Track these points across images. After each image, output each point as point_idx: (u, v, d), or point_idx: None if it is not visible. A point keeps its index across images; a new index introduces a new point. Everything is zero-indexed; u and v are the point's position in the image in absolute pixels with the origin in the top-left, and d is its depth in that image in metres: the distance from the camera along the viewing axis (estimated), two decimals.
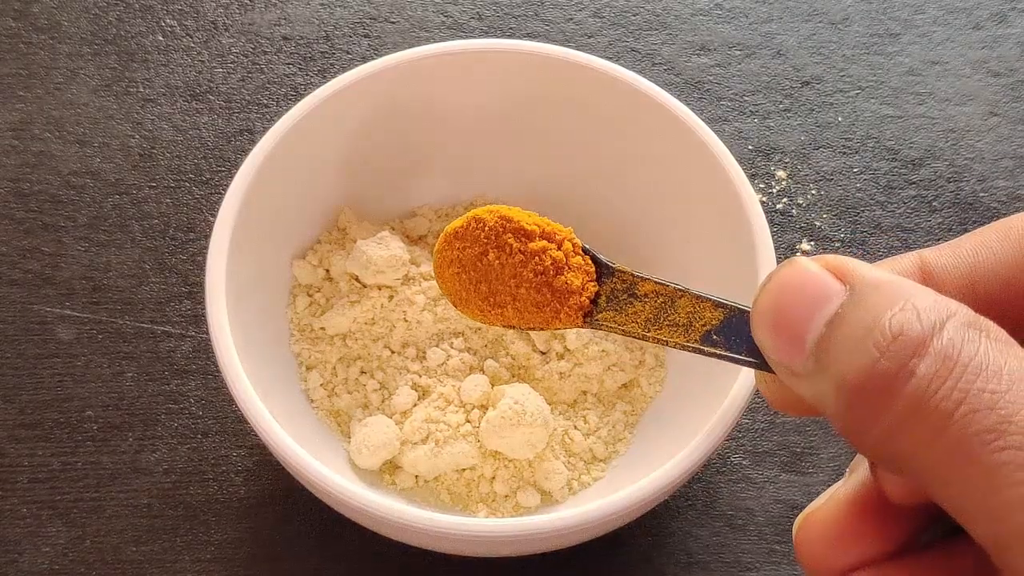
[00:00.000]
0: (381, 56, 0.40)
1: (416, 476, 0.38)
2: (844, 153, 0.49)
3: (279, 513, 0.39)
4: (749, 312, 0.23)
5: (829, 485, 0.24)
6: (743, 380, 0.33)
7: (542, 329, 0.28)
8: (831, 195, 0.48)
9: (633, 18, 0.53)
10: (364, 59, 0.50)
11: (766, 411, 0.42)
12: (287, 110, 0.38)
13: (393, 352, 0.40)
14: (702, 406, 0.34)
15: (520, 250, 0.27)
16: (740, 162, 0.38)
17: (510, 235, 0.27)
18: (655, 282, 0.26)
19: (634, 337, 0.26)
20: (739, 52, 0.52)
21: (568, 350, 0.39)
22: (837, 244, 0.47)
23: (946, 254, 0.23)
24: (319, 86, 0.39)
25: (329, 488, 0.32)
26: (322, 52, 0.51)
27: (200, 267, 0.43)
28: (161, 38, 0.51)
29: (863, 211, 0.47)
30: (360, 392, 0.39)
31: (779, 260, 0.40)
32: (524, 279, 0.27)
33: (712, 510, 0.40)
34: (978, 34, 0.53)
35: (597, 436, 0.39)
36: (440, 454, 0.37)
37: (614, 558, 0.39)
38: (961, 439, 0.18)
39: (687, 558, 0.39)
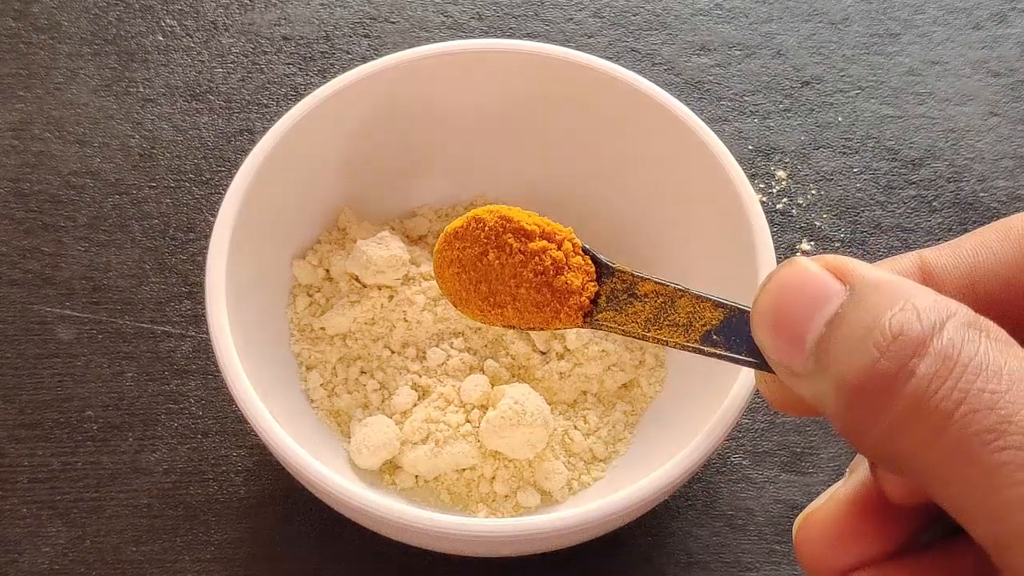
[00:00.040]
0: (381, 56, 0.40)
1: (416, 476, 0.38)
2: (844, 153, 0.49)
3: (279, 513, 0.39)
4: (749, 312, 0.23)
5: (829, 485, 0.24)
6: (743, 380, 0.33)
7: (542, 329, 0.28)
8: (831, 195, 0.48)
9: (633, 18, 0.53)
10: (364, 59, 0.50)
11: (766, 411, 0.42)
12: (287, 110, 0.38)
13: (393, 352, 0.40)
14: (702, 406, 0.34)
15: (520, 250, 0.27)
16: (740, 162, 0.38)
17: (510, 235, 0.27)
18: (655, 282, 0.26)
19: (634, 337, 0.26)
20: (739, 52, 0.52)
21: (568, 350, 0.39)
22: (837, 244, 0.47)
23: (946, 254, 0.23)
24: (319, 86, 0.39)
25: (329, 488, 0.32)
26: (322, 52, 0.51)
27: (200, 267, 0.43)
28: (161, 38, 0.51)
29: (863, 211, 0.47)
30: (360, 392, 0.39)
31: (779, 260, 0.40)
32: (524, 279, 0.27)
33: (712, 510, 0.40)
34: (978, 34, 0.53)
35: (597, 436, 0.39)
36: (440, 454, 0.37)
37: (614, 558, 0.39)
38: (961, 439, 0.18)
39: (687, 558, 0.39)
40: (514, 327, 0.28)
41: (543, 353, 0.40)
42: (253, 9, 0.53)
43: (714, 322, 0.25)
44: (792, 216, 0.47)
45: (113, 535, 0.39)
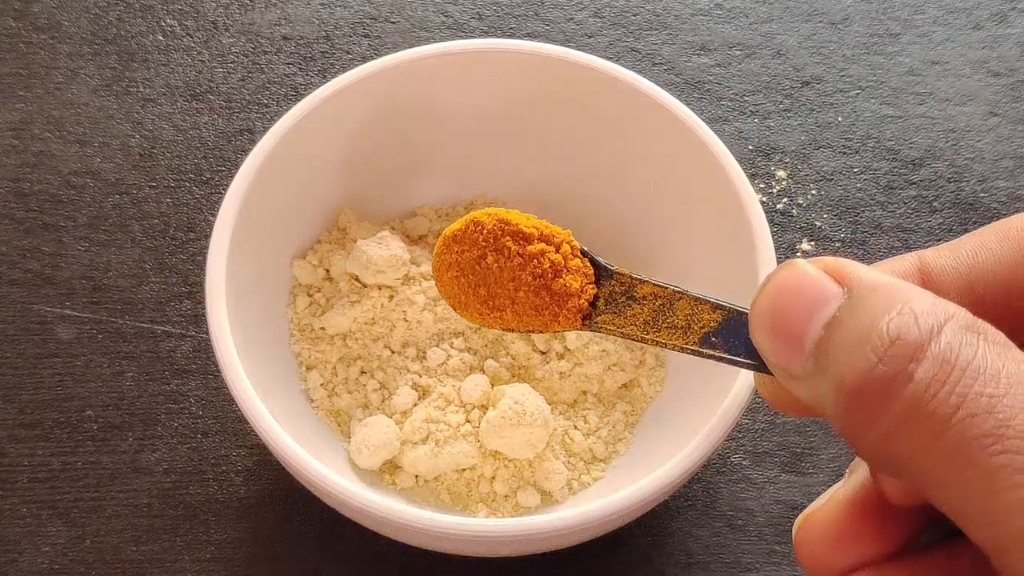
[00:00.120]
0: (381, 56, 0.40)
1: (416, 476, 0.38)
2: (844, 153, 0.49)
3: (279, 513, 0.39)
4: (747, 314, 0.23)
5: (829, 486, 0.24)
6: (743, 380, 0.33)
7: (541, 332, 0.28)
8: (831, 195, 0.48)
9: (633, 18, 0.53)
10: (364, 59, 0.50)
11: (766, 411, 0.42)
12: (287, 110, 0.38)
13: (393, 352, 0.40)
14: (702, 406, 0.34)
15: (518, 253, 0.27)
16: (740, 162, 0.38)
17: (508, 238, 0.27)
18: (654, 284, 0.26)
19: (633, 340, 0.26)
20: (739, 52, 0.52)
21: (568, 350, 0.39)
22: (837, 244, 0.47)
23: (945, 255, 0.23)
24: (319, 86, 0.39)
25: (329, 488, 0.32)
26: (322, 52, 0.51)
27: (200, 267, 0.43)
28: (161, 38, 0.51)
29: (863, 211, 0.47)
30: (360, 392, 0.39)
31: (779, 260, 0.40)
32: (523, 282, 0.27)
33: (712, 510, 0.40)
34: (978, 34, 0.53)
35: (597, 436, 0.39)
36: (440, 454, 0.37)
37: (614, 558, 0.39)
38: (959, 443, 0.18)
39: (687, 558, 0.39)
40: (513, 330, 0.28)
41: (543, 353, 0.40)
42: (253, 9, 0.53)
43: (713, 324, 0.25)
44: (792, 216, 0.47)
45: (113, 535, 0.39)
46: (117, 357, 0.42)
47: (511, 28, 0.53)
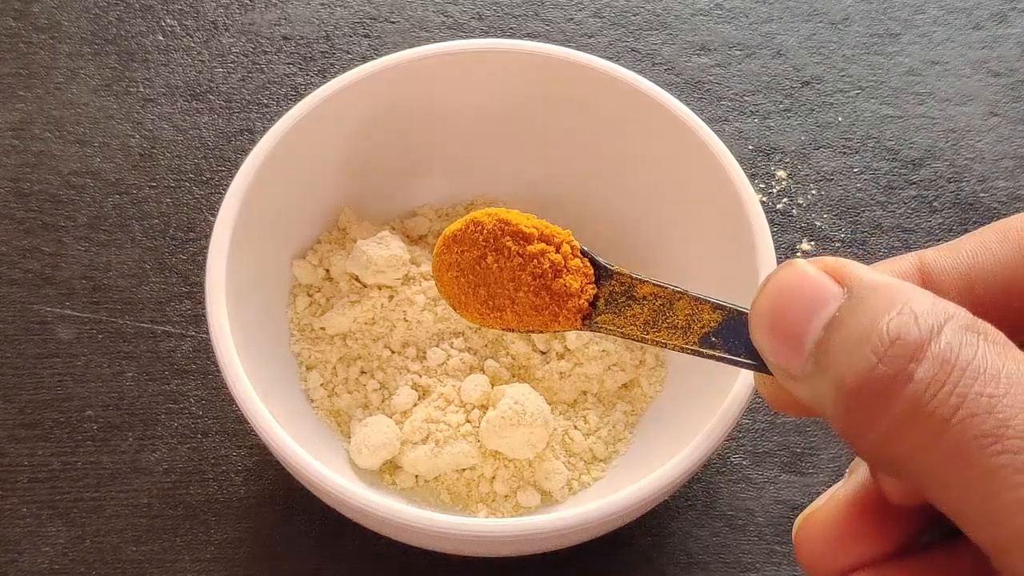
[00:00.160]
0: (381, 56, 0.40)
1: (416, 476, 0.38)
2: (844, 153, 0.49)
3: (279, 513, 0.39)
4: (747, 314, 0.23)
5: (829, 486, 0.24)
6: (743, 380, 0.33)
7: (541, 331, 0.28)
8: (831, 195, 0.48)
9: (633, 18, 0.53)
10: (364, 59, 0.50)
11: (766, 411, 0.42)
12: (287, 110, 0.38)
13: (393, 352, 0.40)
14: (702, 406, 0.34)
15: (518, 253, 0.27)
16: (740, 162, 0.38)
17: (508, 238, 0.27)
18: (654, 284, 0.26)
19: (633, 340, 0.26)
20: (739, 52, 0.52)
21: (568, 350, 0.39)
22: (837, 244, 0.47)
23: (945, 255, 0.23)
24: (319, 86, 0.39)
25: (329, 488, 0.32)
26: (322, 52, 0.51)
27: (200, 267, 0.43)
28: (161, 38, 0.51)
29: (863, 211, 0.47)
30: (360, 392, 0.39)
31: (779, 260, 0.40)
32: (523, 282, 0.27)
33: (712, 510, 0.40)
34: (978, 34, 0.53)
35: (597, 436, 0.39)
36: (440, 454, 0.37)
37: (614, 558, 0.39)
38: (959, 443, 0.18)
39: (687, 558, 0.39)
40: (513, 330, 0.28)
41: (543, 353, 0.40)
42: (253, 9, 0.53)
43: (713, 324, 0.25)
44: (792, 216, 0.47)
45: (113, 535, 0.39)
46: (117, 357, 0.42)
47: (511, 28, 0.53)
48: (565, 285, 0.27)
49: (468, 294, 0.28)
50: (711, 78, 0.51)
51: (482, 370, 0.39)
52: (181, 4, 0.53)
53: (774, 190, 0.48)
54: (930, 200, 0.48)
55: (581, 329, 0.27)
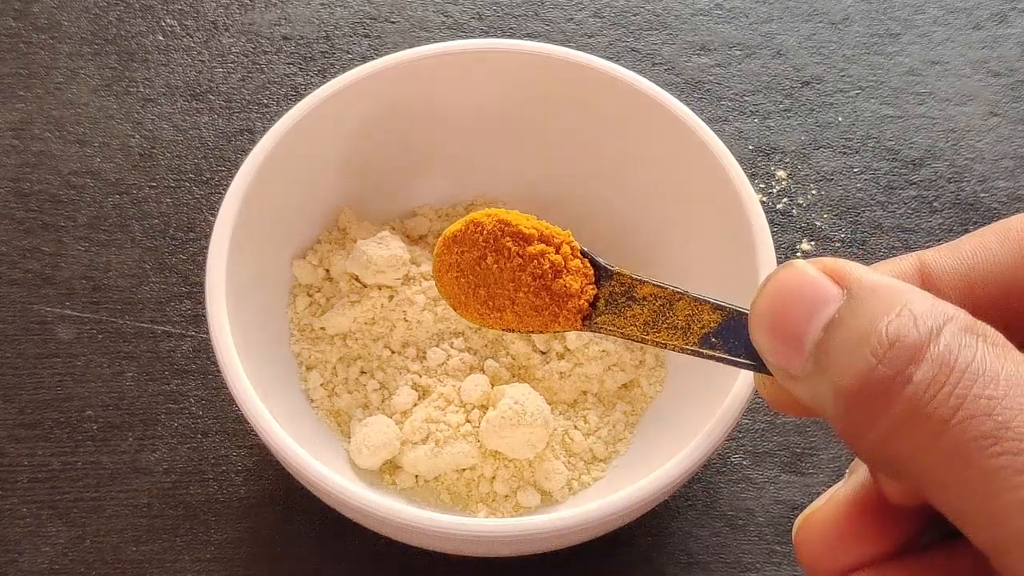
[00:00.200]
0: (381, 56, 0.40)
1: (416, 476, 0.38)
2: (844, 153, 0.49)
3: (279, 513, 0.39)
4: (747, 315, 0.23)
5: (829, 486, 0.24)
6: (743, 380, 0.33)
7: (541, 332, 0.28)
8: (831, 195, 0.48)
9: (633, 18, 0.53)
10: (364, 59, 0.50)
11: (766, 411, 0.42)
12: (287, 110, 0.38)
13: (393, 352, 0.40)
14: (702, 406, 0.34)
15: (518, 254, 0.27)
16: (740, 162, 0.38)
17: (508, 239, 0.27)
18: (654, 285, 0.26)
19: (633, 340, 0.26)
20: (739, 52, 0.52)
21: (568, 350, 0.39)
22: (837, 244, 0.47)
23: (945, 256, 0.23)
24: (319, 86, 0.39)
25: (329, 488, 0.32)
26: (322, 52, 0.51)
27: (200, 267, 0.43)
28: (161, 38, 0.51)
29: (863, 211, 0.47)
30: (360, 392, 0.39)
31: (779, 260, 0.40)
32: (523, 283, 0.27)
33: (712, 510, 0.40)
34: (978, 34, 0.53)
35: (597, 436, 0.39)
36: (440, 454, 0.37)
37: (614, 558, 0.39)
38: (959, 444, 0.18)
39: (687, 558, 0.39)
40: (513, 330, 0.28)
41: (543, 353, 0.40)
42: (253, 9, 0.53)
43: (712, 325, 0.25)
44: (792, 216, 0.47)
45: (113, 535, 0.39)
46: (117, 357, 0.42)
47: (511, 28, 0.53)
48: (565, 286, 0.27)
49: (468, 294, 0.28)
50: (711, 78, 0.51)
51: (482, 370, 0.39)
52: (181, 4, 0.53)
53: (774, 190, 0.48)
54: (930, 200, 0.48)
55: (581, 329, 0.27)
